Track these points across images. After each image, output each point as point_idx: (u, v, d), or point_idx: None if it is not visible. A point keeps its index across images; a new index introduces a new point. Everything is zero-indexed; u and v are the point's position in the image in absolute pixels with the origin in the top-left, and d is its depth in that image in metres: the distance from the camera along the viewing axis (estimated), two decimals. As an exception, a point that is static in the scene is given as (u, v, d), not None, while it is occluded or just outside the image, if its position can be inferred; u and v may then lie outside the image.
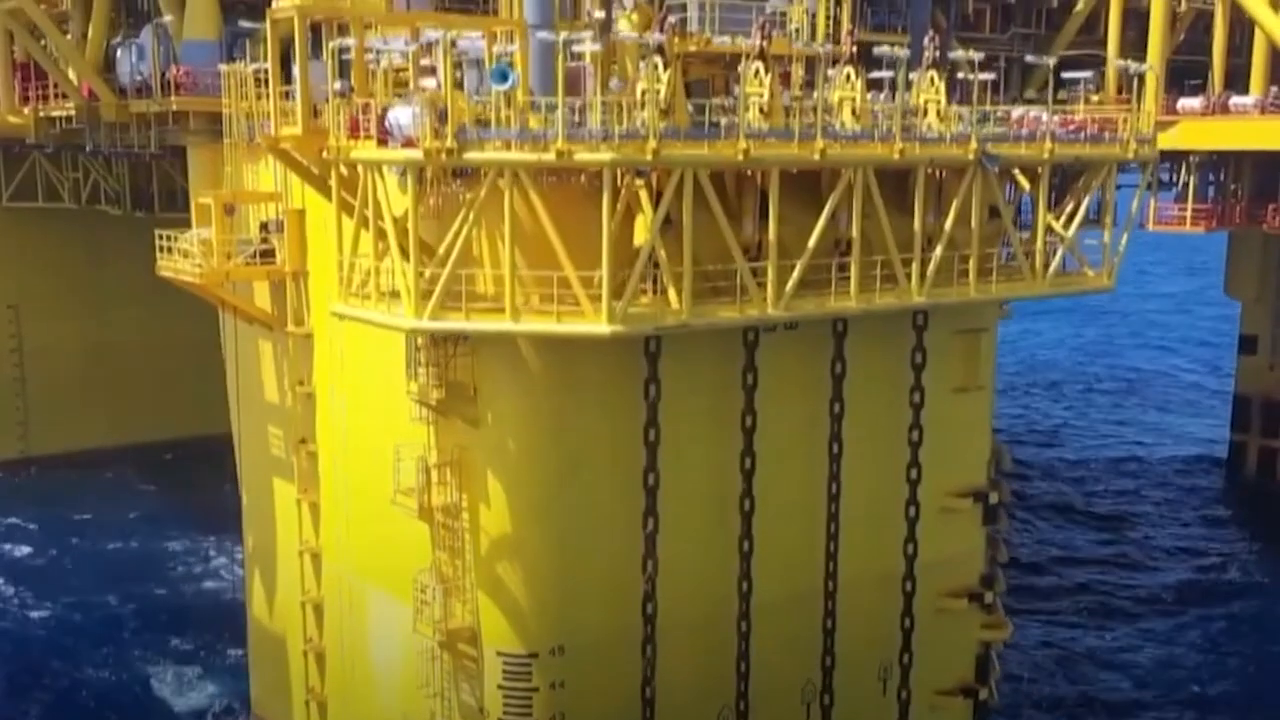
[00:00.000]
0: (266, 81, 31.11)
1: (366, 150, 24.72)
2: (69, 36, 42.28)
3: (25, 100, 44.43)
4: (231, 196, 32.66)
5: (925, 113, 30.14)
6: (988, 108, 33.10)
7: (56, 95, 42.12)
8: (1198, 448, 67.64)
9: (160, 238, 33.56)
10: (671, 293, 24.79)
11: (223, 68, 33.33)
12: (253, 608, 37.13)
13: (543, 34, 25.62)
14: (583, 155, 23.06)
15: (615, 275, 23.86)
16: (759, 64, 27.65)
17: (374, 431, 30.04)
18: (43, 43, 41.50)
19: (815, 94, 29.38)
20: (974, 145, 27.88)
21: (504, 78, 23.39)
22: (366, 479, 30.27)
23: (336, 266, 26.40)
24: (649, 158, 23.45)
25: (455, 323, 24.30)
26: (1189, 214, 48.87)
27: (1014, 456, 37.43)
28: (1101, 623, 45.91)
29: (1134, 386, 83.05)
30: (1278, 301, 60.85)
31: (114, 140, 38.85)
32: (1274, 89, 46.19)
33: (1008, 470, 36.16)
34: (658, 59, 26.17)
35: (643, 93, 25.71)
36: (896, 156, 26.84)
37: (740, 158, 24.68)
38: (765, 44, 27.79)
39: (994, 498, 33.96)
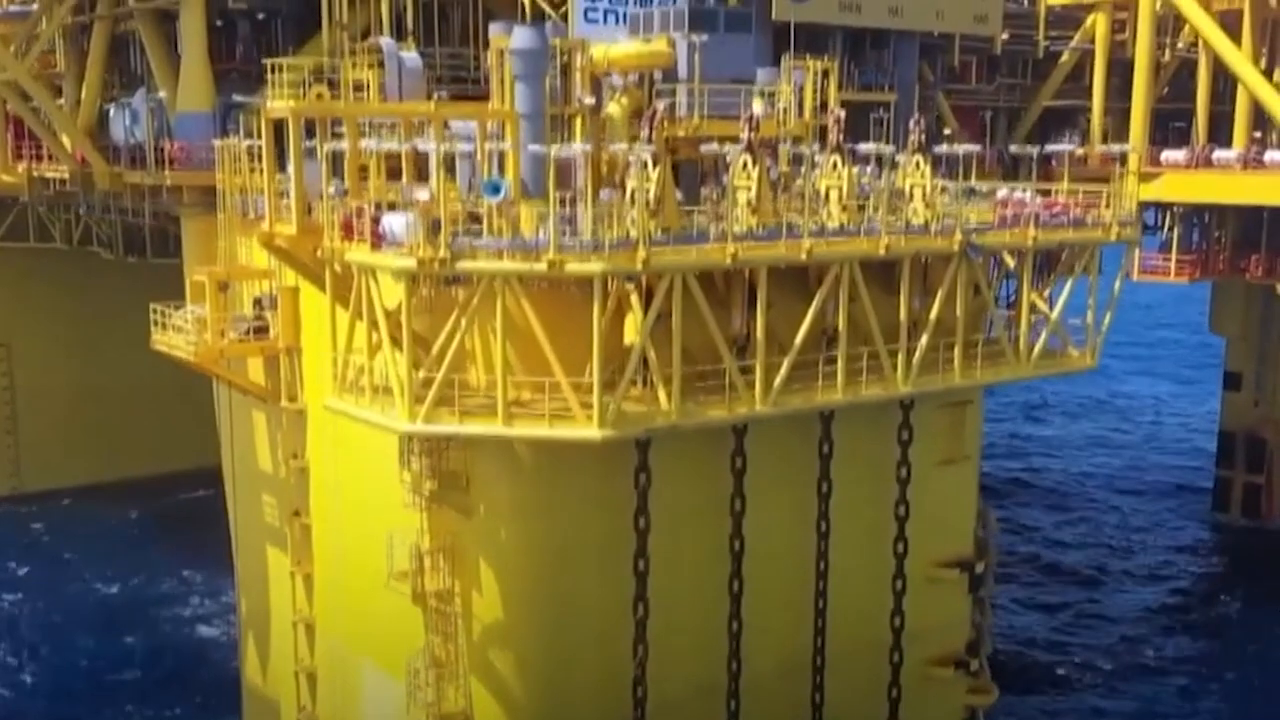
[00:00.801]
0: (261, 157, 31.72)
1: (360, 254, 25.07)
2: (62, 97, 42.52)
3: (19, 157, 44.62)
4: (225, 274, 32.98)
5: (911, 197, 30.59)
6: (973, 182, 33.77)
7: (50, 156, 42.35)
8: (1183, 481, 68.23)
9: (155, 312, 33.86)
10: (661, 393, 25.17)
11: (217, 143, 33.60)
12: (247, 674, 37.49)
13: (534, 147, 25.96)
14: (574, 266, 23.45)
15: (605, 378, 24.25)
16: (747, 156, 28.07)
17: (368, 511, 30.40)
18: (33, 103, 41.63)
19: (801, 179, 30.01)
20: (958, 237, 28.28)
21: (496, 190, 23.79)
22: (360, 556, 30.62)
23: (330, 359, 26.72)
24: (639, 267, 23.83)
25: (449, 426, 24.65)
26: (1173, 264, 49.37)
27: (1002, 472, 37.81)
28: (1086, 661, 46.44)
29: (1121, 415, 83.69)
30: (1262, 339, 61.35)
31: (108, 206, 39.16)
32: (1255, 146, 46.62)
33: (994, 534, 36.74)
34: (647, 156, 26.57)
35: (632, 192, 26.12)
36: (883, 251, 27.22)
37: (728, 261, 25.06)
38: (753, 136, 28.20)
39: (979, 566, 34.46)
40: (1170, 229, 50.07)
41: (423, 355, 26.03)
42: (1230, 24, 51.01)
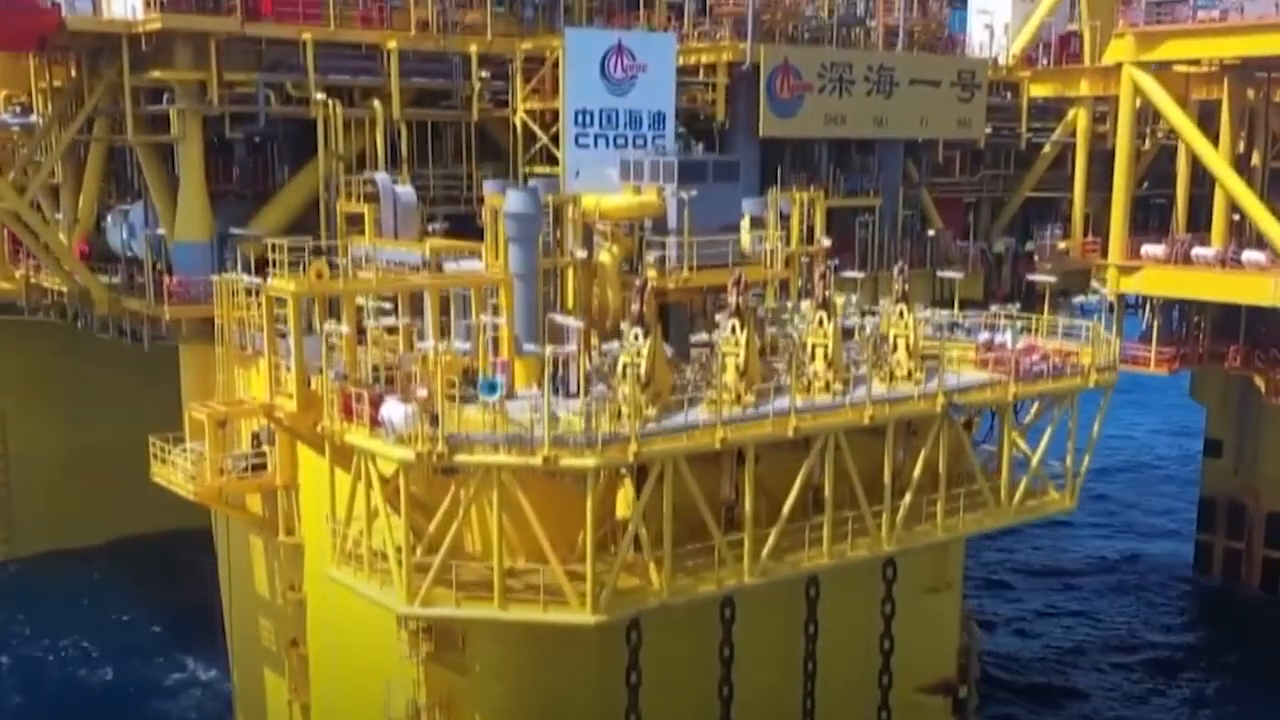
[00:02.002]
0: (258, 293, 32.38)
1: (360, 437, 25.76)
2: (60, 205, 43.04)
3: (16, 258, 45.06)
4: (224, 411, 33.51)
5: (895, 347, 31.37)
6: (957, 317, 34.66)
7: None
8: (1164, 547, 69.06)
9: (154, 445, 34.45)
10: (652, 571, 25.93)
11: (215, 278, 34.18)
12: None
13: (530, 347, 26.68)
14: (568, 461, 24.17)
15: (598, 553, 25.01)
16: (735, 321, 28.82)
17: (366, 654, 31.07)
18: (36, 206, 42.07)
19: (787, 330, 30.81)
20: (940, 399, 29.07)
21: (492, 390, 24.48)
22: (358, 696, 31.36)
23: (330, 529, 27.42)
24: (630, 459, 24.58)
25: (446, 609, 25.37)
26: (1153, 355, 50.24)
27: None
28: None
29: (1102, 477, 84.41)
30: (1240, 409, 62.17)
31: (106, 325, 39.74)
32: (1233, 245, 47.50)
33: (978, 644, 37.65)
34: (638, 330, 27.33)
35: (624, 366, 26.88)
36: (867, 421, 28.00)
37: (718, 445, 25.81)
38: (740, 301, 28.95)
39: (963, 691, 35.34)
40: (1150, 319, 50.81)
41: (420, 519, 26.77)
42: (1209, 111, 52.01)
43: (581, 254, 31.47)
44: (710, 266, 31.77)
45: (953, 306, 45.64)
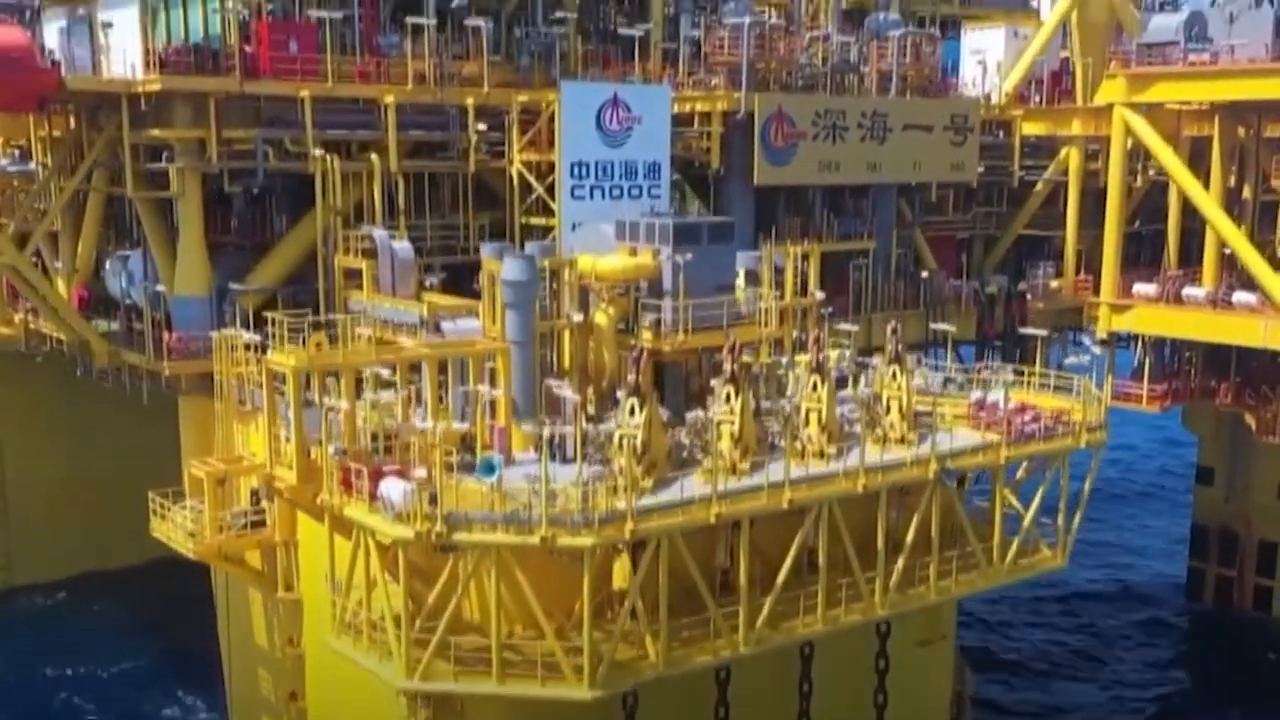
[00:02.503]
0: (257, 349, 32.72)
1: (359, 512, 26.09)
2: (59, 251, 43.29)
3: (14, 302, 45.23)
4: (224, 470, 33.80)
5: (888, 409, 31.73)
6: (949, 370, 35.02)
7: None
8: (1156, 572, 69.45)
9: (153, 500, 34.74)
10: (649, 644, 26.26)
11: (214, 335, 34.47)
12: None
13: (527, 427, 27.00)
14: (565, 540, 24.52)
15: (594, 620, 25.35)
16: (730, 389, 29.17)
17: (365, 714, 31.35)
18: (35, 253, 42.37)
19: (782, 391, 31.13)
20: (933, 465, 29.42)
21: (490, 470, 24.80)
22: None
23: (330, 598, 27.73)
24: (627, 537, 24.92)
25: (445, 684, 25.69)
26: (1145, 393, 50.60)
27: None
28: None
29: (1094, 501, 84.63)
30: (1232, 439, 62.53)
31: (105, 374, 40.00)
32: (1224, 285, 47.85)
33: (970, 688, 37.98)
34: (633, 401, 27.67)
35: (620, 438, 27.23)
36: (860, 490, 28.35)
37: (712, 519, 26.16)
38: (735, 368, 29.30)
39: (956, 741, 35.73)
40: (1142, 355, 51.19)
41: (420, 587, 27.09)
42: (1201, 147, 52.40)
43: (578, 317, 31.80)
44: (705, 329, 32.11)
45: (946, 345, 46.38)
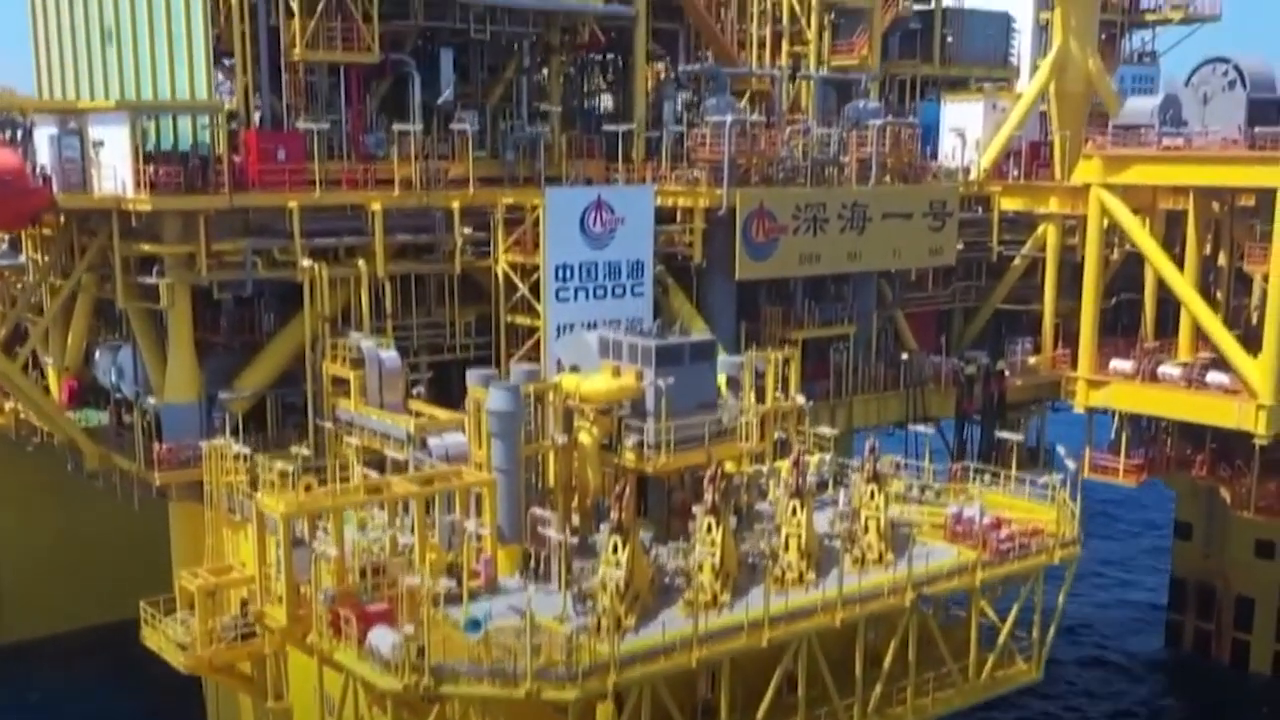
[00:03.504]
0: (247, 459, 33.30)
1: (348, 658, 26.64)
2: (49, 342, 43.74)
3: (6, 394, 45.66)
4: (214, 583, 34.28)
5: (866, 528, 32.41)
6: (928, 479, 35.75)
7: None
8: (1135, 624, 70.21)
9: (145, 611, 35.21)
10: (632, 785, 26.91)
11: (204, 445, 34.99)
12: None
13: (515, 602, 27.62)
14: (550, 694, 25.12)
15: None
16: (710, 519, 29.82)
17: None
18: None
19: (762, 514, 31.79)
20: (909, 594, 30.10)
21: (476, 627, 25.39)
22: None
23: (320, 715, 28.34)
24: (609, 689, 25.55)
25: (432, 830, 26.32)
26: (1122, 467, 51.44)
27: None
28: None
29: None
30: (1209, 496, 63.29)
31: (96, 475, 40.51)
32: (1198, 365, 48.61)
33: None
34: (617, 538, 28.31)
35: (603, 579, 27.89)
36: (838, 624, 29.01)
37: (694, 664, 26.80)
38: (716, 499, 29.95)
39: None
40: (1119, 428, 51.95)
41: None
42: (1177, 217, 53.25)
43: (562, 439, 32.42)
44: (688, 448, 32.75)
45: (925, 422, 47.09)
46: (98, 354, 43.48)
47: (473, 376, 32.55)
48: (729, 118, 41.79)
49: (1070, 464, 34.49)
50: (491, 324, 40.84)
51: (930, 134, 60.64)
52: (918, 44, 64.20)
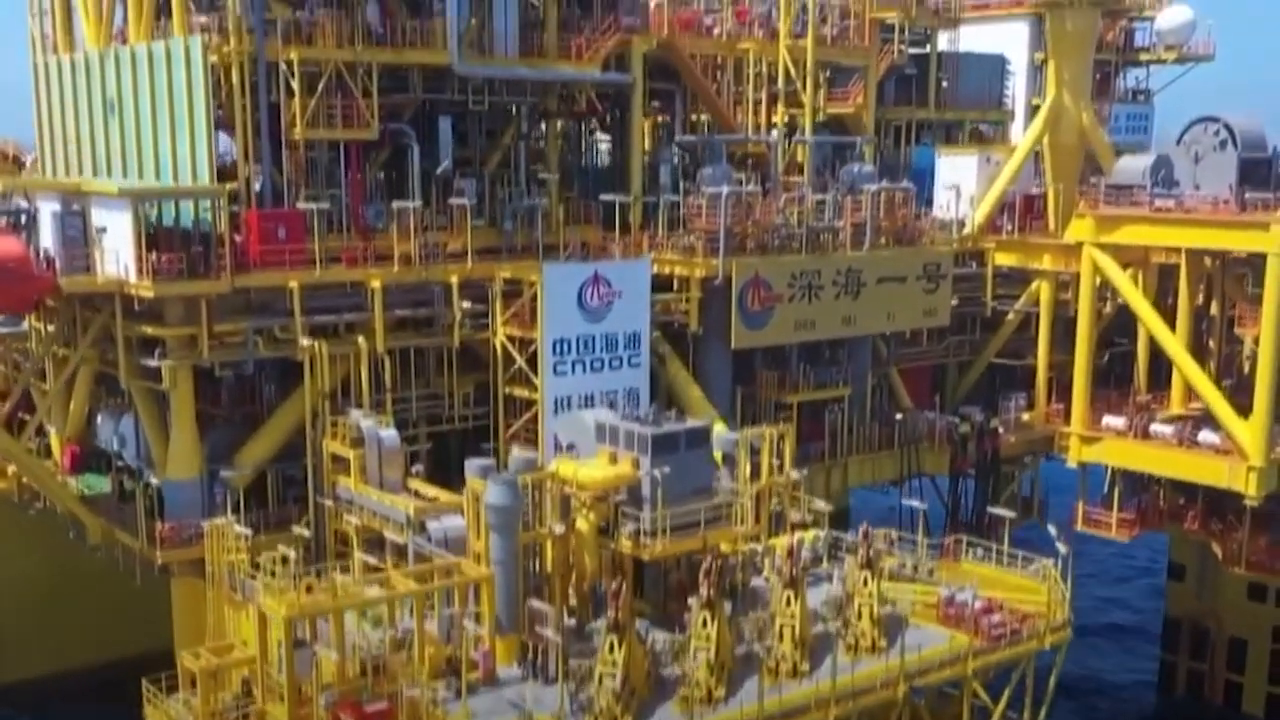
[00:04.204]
0: (248, 538, 33.75)
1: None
2: (51, 409, 44.15)
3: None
4: (216, 664, 34.70)
5: (860, 614, 32.89)
6: (923, 561, 36.25)
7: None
8: (1127, 664, 70.65)
9: (147, 690, 35.62)
10: None
11: (206, 525, 35.41)
12: None
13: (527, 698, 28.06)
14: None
15: None
16: (706, 613, 30.29)
17: None
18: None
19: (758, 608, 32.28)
20: (902, 686, 30.58)
21: (475, 739, 25.86)
22: None
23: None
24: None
25: None
26: (1114, 521, 51.95)
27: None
28: None
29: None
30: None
31: (99, 547, 40.95)
32: (1190, 424, 49.06)
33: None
34: (613, 638, 28.78)
35: (600, 676, 28.38)
36: (832, 719, 29.51)
37: (690, 766, 27.31)
38: (712, 593, 30.43)
39: None
40: (1111, 481, 52.44)
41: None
42: (1170, 270, 53.74)
43: (559, 529, 32.88)
44: (684, 535, 33.21)
45: (919, 478, 47.54)
46: (100, 418, 43.97)
47: (471, 467, 32.98)
48: (725, 189, 42.24)
49: (1062, 547, 34.94)
50: (490, 396, 41.25)
51: (924, 178, 61.26)
52: (912, 89, 64.52)
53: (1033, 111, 71.00)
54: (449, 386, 41.30)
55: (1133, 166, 50.52)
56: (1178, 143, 51.44)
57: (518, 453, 34.29)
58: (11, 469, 45.95)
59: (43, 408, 42.42)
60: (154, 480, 38.02)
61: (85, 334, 38.56)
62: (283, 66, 38.92)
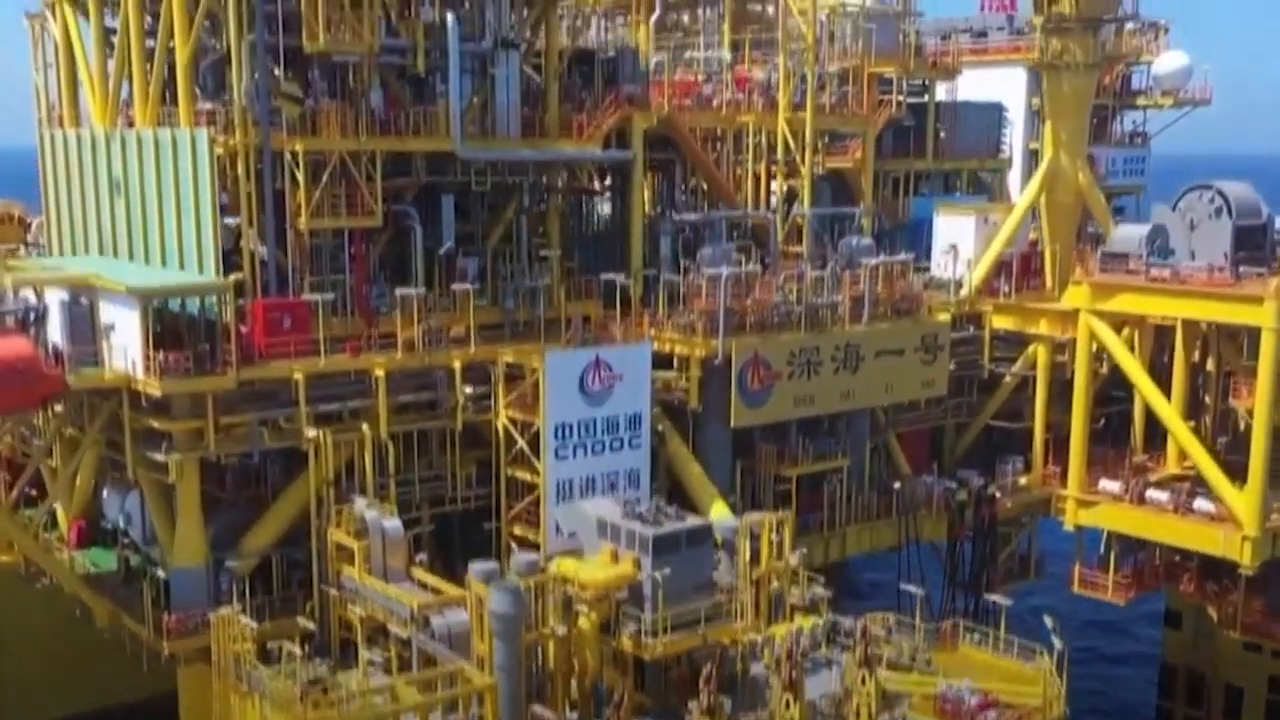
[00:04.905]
0: (254, 629, 34.21)
1: None
2: (57, 483, 44.55)
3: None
4: (220, 762, 35.29)
5: (858, 713, 33.36)
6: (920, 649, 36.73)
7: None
8: (1125, 711, 71.16)
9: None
10: None
11: (212, 616, 35.87)
12: None
13: None
14: None
15: None
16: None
17: None
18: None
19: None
20: (900, 791, 31.11)
21: None
22: None
23: None
24: None
25: None
26: (1110, 584, 52.49)
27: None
28: None
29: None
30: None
31: (105, 631, 41.41)
32: (1185, 493, 49.51)
33: None
34: None
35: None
36: (830, 831, 30.02)
37: None
38: (711, 699, 30.92)
39: None
40: (1108, 545, 52.92)
41: None
42: (1166, 331, 54.19)
43: (561, 630, 33.37)
44: (684, 633, 33.70)
45: (918, 543, 48.02)
46: (106, 493, 44.38)
47: (475, 571, 33.38)
48: (724, 271, 42.69)
49: (1056, 641, 35.37)
50: (492, 476, 41.70)
51: (922, 228, 61.77)
52: (910, 139, 64.98)
53: (1031, 156, 71.82)
54: (452, 467, 41.69)
55: (1130, 235, 51.02)
56: (1173, 209, 51.98)
57: (520, 555, 34.78)
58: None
59: (51, 486, 42.84)
60: (161, 574, 38.42)
61: (93, 422, 38.94)
62: (288, 157, 39.31)
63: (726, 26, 60.72)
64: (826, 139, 54.21)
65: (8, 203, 56.67)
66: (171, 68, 40.86)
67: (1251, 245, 50.83)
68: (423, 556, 38.16)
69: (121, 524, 43.09)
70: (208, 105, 41.04)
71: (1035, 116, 69.30)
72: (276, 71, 40.13)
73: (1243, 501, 47.30)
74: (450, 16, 41.55)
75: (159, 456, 37.04)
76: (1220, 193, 50.78)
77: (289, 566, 40.16)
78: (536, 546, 39.76)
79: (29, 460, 43.94)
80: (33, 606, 58.42)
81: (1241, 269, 47.62)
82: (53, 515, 46.04)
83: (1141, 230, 50.69)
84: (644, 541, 33.96)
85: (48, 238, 48.73)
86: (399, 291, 40.08)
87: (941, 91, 67.12)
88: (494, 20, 43.19)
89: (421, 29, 41.70)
